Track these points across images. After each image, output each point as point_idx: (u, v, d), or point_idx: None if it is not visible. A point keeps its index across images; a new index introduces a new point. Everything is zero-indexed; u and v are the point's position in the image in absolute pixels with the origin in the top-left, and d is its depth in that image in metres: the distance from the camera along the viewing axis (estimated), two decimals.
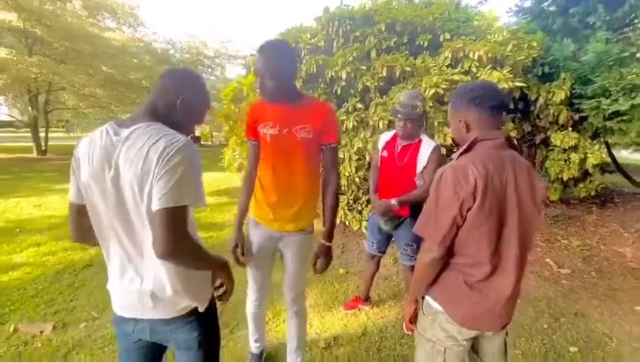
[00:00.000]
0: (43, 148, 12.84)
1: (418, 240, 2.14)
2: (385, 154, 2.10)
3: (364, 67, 3.22)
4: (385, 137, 2.16)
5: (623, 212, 4.63)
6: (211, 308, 1.08)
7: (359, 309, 2.44)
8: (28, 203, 5.42)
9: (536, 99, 3.81)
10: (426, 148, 1.98)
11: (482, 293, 1.07)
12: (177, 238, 0.85)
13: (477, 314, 1.08)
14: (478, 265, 1.06)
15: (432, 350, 1.16)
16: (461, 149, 1.09)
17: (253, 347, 1.86)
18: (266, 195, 1.46)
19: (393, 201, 1.99)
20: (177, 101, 0.96)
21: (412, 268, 2.18)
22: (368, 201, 3.69)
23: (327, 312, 2.44)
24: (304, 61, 3.50)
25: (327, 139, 1.43)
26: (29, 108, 12.22)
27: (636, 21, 3.81)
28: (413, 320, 1.26)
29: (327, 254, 1.48)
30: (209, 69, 17.34)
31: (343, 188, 3.73)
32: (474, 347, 1.25)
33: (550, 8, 5.00)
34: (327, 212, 1.48)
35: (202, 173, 0.93)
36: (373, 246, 2.28)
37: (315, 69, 3.37)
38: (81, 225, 0.97)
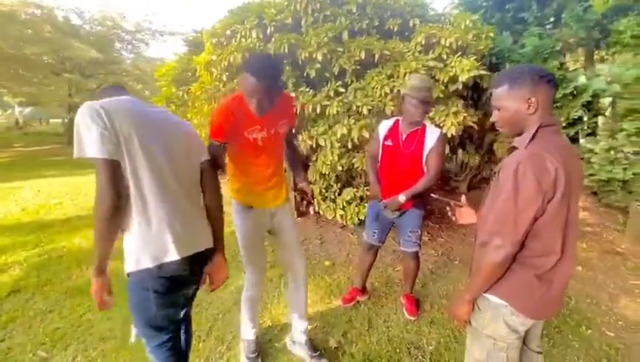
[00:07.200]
0: None
1: (421, 227, 2.15)
2: (389, 143, 2.02)
3: (340, 49, 3.07)
4: (385, 125, 2.08)
5: None
6: None
7: (358, 301, 2.39)
8: None
9: (487, 88, 4.14)
10: (432, 134, 1.96)
11: (549, 282, 1.07)
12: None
13: (546, 302, 1.08)
14: (547, 255, 1.05)
15: (493, 347, 1.14)
16: (526, 136, 1.05)
17: (250, 333, 1.86)
18: (261, 183, 1.64)
19: (401, 196, 1.96)
20: None
21: (414, 254, 2.19)
22: (341, 190, 3.63)
23: (326, 308, 2.34)
24: (273, 40, 3.19)
25: (293, 123, 1.75)
26: None
27: (562, 19, 4.38)
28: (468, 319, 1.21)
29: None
30: (129, 45, 15.11)
31: (316, 178, 3.58)
32: None
33: (488, 3, 5.45)
34: (299, 167, 1.86)
35: None
36: (374, 237, 2.22)
37: (285, 49, 3.10)
38: (121, 180, 1.05)
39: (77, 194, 5.49)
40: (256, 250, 1.74)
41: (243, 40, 3.37)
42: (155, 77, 5.85)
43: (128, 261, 1.12)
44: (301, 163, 1.82)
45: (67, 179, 6.68)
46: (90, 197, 5.25)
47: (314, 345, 1.89)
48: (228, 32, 3.47)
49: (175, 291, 1.23)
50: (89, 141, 1.01)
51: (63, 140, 14.42)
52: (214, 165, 1.50)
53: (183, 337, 1.37)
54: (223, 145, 1.53)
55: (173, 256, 1.14)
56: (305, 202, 1.77)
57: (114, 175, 1.03)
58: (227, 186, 1.68)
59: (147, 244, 1.11)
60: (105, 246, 1.05)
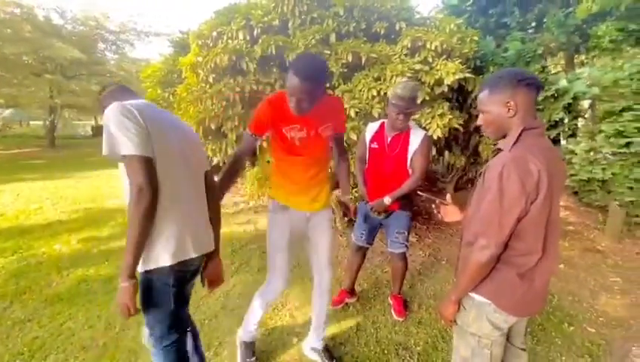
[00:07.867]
0: None
1: (409, 228, 2.16)
2: (375, 145, 2.04)
3: (328, 51, 3.08)
4: (372, 128, 2.10)
5: None
6: None
7: (346, 303, 2.39)
8: None
9: (472, 90, 4.22)
10: (416, 136, 1.98)
11: (531, 280, 1.09)
12: None
13: (528, 300, 1.10)
14: (530, 254, 1.07)
15: (478, 344, 1.16)
16: (510, 139, 1.07)
17: (249, 336, 1.84)
18: (300, 185, 1.61)
19: (386, 199, 1.98)
20: None
21: (402, 255, 2.20)
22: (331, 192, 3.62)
23: None
24: (260, 41, 3.17)
25: (340, 130, 1.69)
26: None
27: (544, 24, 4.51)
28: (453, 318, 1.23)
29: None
30: (113, 46, 14.78)
31: None
32: None
33: (472, 8, 5.57)
34: (345, 180, 1.80)
35: None
36: (362, 238, 2.22)
37: (273, 50, 3.09)
38: (155, 175, 1.06)
39: (58, 198, 5.32)
40: (281, 253, 1.68)
41: (229, 41, 3.34)
42: (140, 78, 5.74)
43: (147, 259, 1.11)
44: (348, 175, 1.81)
45: (48, 183, 6.47)
46: (71, 202, 5.10)
47: (331, 354, 1.86)
48: (214, 33, 3.43)
49: (187, 284, 1.29)
50: (124, 139, 1.00)
51: (44, 143, 14.00)
52: (236, 163, 1.58)
53: (190, 344, 1.44)
54: (256, 137, 1.54)
55: (191, 253, 1.19)
56: (346, 218, 1.72)
57: (151, 172, 1.03)
58: (269, 185, 1.71)
59: (168, 242, 1.12)
60: (141, 248, 1.04)
